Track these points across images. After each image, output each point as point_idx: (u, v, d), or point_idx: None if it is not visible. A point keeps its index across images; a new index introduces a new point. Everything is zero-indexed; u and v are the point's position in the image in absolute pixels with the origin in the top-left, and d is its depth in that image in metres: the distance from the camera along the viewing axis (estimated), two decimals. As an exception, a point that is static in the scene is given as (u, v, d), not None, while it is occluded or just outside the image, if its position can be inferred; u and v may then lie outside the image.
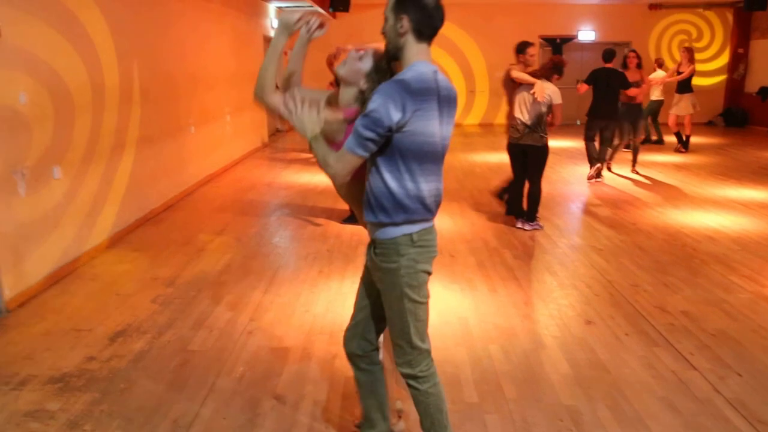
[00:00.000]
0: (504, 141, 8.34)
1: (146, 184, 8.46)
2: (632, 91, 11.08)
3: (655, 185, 10.95)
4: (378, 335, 3.34)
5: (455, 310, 5.55)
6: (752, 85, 19.03)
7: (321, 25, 3.19)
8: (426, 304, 3.06)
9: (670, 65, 16.28)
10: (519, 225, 8.11)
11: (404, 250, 2.92)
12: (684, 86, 13.87)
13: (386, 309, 3.07)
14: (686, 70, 13.76)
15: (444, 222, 8.39)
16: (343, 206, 8.69)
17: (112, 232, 7.49)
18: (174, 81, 9.62)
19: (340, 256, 6.98)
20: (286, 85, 3.42)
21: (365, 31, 19.04)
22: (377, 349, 3.39)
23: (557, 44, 20.17)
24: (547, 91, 7.55)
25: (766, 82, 18.51)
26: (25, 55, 5.81)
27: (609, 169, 11.89)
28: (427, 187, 2.88)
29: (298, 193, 10.41)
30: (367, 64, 3.05)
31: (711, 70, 20.50)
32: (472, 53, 20.61)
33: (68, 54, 6.52)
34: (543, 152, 7.81)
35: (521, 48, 8.10)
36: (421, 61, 2.82)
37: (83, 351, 4.79)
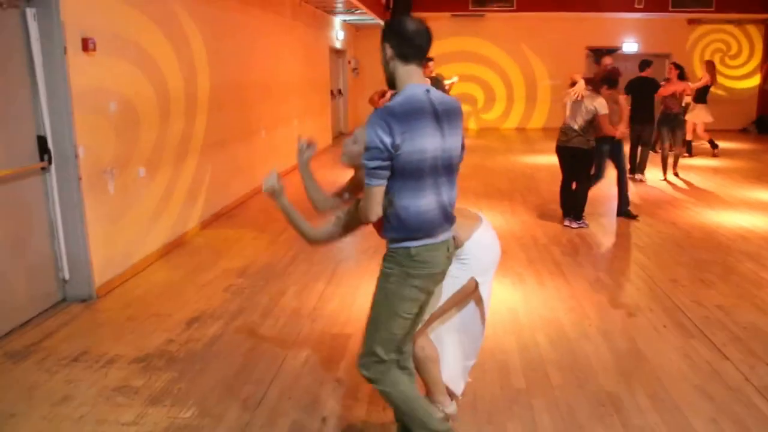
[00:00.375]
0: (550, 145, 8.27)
1: (221, 183, 8.55)
2: (663, 91, 10.93)
3: (691, 188, 10.72)
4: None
5: (506, 302, 5.49)
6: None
7: (309, 144, 3.28)
8: (408, 320, 2.95)
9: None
10: (566, 223, 8.01)
11: (403, 261, 2.88)
12: (699, 96, 13.43)
13: (371, 307, 3.02)
14: (701, 82, 13.36)
15: (496, 219, 8.32)
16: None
17: (189, 226, 7.60)
18: (247, 89, 9.70)
19: (397, 251, 6.95)
20: (324, 207, 3.55)
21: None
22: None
23: (603, 55, 19.89)
24: (594, 102, 7.41)
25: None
26: (116, 68, 5.93)
27: (675, 174, 11.56)
28: (425, 201, 2.81)
29: (358, 192, 10.39)
30: (360, 145, 2.95)
31: (744, 79, 20.11)
32: (527, 63, 20.53)
33: (153, 68, 6.61)
34: (588, 155, 7.69)
35: (596, 58, 8.06)
36: (412, 83, 2.82)
37: (163, 334, 4.86)
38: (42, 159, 5.23)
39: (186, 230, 7.47)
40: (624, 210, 8.43)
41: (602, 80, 7.75)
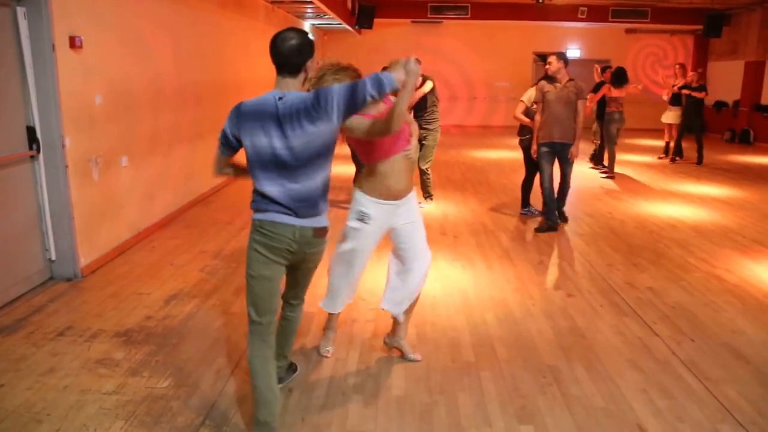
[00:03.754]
0: (503, 140, 8.26)
1: (198, 172, 8.44)
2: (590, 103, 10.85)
3: (628, 181, 10.85)
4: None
5: (456, 284, 5.51)
6: (709, 100, 18.88)
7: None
8: (255, 279, 3.04)
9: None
10: (524, 212, 8.10)
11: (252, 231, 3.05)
12: (673, 99, 12.99)
13: None
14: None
15: (449, 208, 8.35)
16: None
17: (168, 211, 7.49)
18: (222, 87, 9.58)
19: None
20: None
21: (387, 45, 19.00)
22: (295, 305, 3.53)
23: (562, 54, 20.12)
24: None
25: (720, 97, 18.58)
26: (101, 64, 5.80)
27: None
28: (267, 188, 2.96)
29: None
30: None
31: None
32: (482, 66, 20.64)
33: (135, 64, 6.49)
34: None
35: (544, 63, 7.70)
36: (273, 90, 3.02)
37: (143, 311, 4.79)
38: (31, 148, 5.12)
39: (166, 215, 7.36)
40: (559, 210, 7.78)
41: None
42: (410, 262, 3.89)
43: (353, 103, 2.84)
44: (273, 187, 2.95)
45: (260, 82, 12.05)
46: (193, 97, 8.26)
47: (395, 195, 3.72)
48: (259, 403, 3.07)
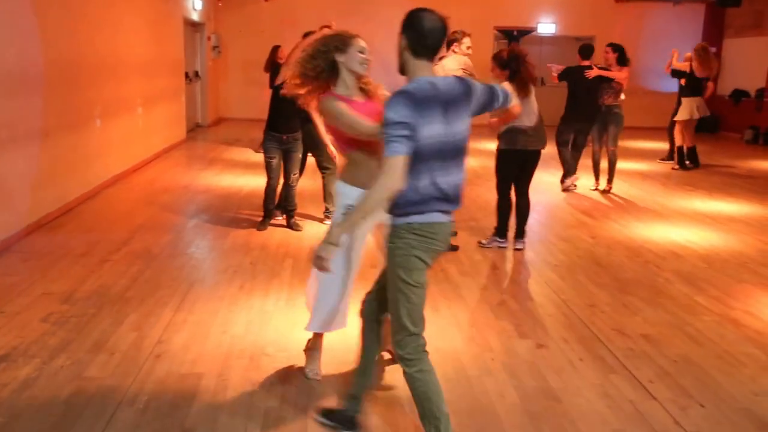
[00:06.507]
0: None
1: (41, 184, 8.27)
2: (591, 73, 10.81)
3: (616, 196, 11.10)
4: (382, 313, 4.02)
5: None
6: (724, 88, 19.32)
7: None
8: (419, 288, 3.63)
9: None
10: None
11: (403, 235, 3.60)
12: (683, 90, 13.38)
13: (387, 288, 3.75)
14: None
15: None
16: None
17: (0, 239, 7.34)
18: (78, 67, 9.45)
19: (265, 270, 6.94)
20: None
21: (297, 14, 19.03)
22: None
23: (514, 37, 20.39)
24: None
25: (740, 85, 18.89)
26: None
27: (608, 189, 11.35)
28: (420, 182, 3.53)
29: (219, 197, 10.33)
30: None
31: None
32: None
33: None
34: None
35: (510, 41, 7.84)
36: (422, 75, 3.56)
37: (-41, 377, 4.66)
38: None
39: (-5, 244, 7.21)
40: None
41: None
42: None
43: (486, 106, 3.94)
44: (422, 181, 3.54)
45: (131, 61, 11.95)
46: (36, 81, 8.15)
47: None
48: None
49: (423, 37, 3.51)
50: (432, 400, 3.65)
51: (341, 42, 4.46)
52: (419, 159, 3.45)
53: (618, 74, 10.82)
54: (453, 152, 3.60)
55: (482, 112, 3.94)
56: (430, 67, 3.60)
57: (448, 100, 3.53)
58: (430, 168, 3.51)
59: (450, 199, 3.63)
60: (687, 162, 13.66)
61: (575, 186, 11.34)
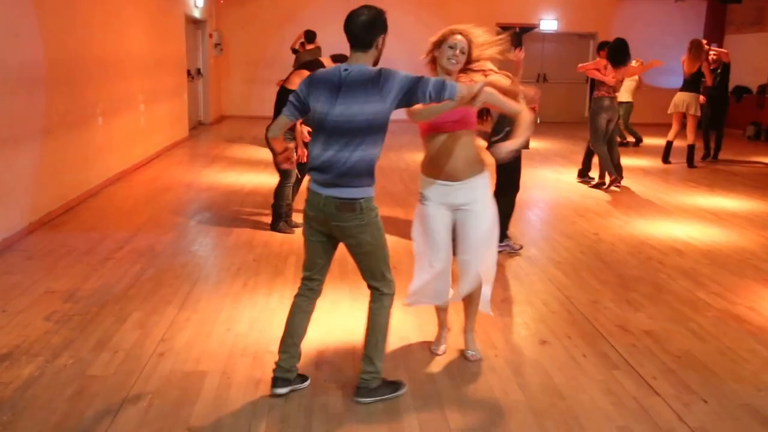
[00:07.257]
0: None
1: (42, 182, 8.29)
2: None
3: (619, 192, 11.10)
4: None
5: (396, 330, 5.46)
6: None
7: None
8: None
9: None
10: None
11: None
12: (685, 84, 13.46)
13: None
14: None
15: (387, 228, 8.33)
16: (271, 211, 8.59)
17: (1, 238, 7.33)
18: (80, 64, 9.45)
19: (268, 268, 6.93)
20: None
21: (298, 11, 18.99)
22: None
23: (516, 34, 20.31)
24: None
25: (742, 81, 18.86)
26: None
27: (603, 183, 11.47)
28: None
29: (222, 194, 10.33)
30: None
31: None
32: (422, 42, 20.73)
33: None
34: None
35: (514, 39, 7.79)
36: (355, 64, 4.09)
37: (-38, 377, 4.66)
38: None
39: (-2, 242, 7.22)
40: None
41: None
42: (460, 255, 4.81)
43: (412, 96, 3.97)
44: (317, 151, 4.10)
45: (133, 59, 11.95)
46: (39, 80, 8.14)
47: (447, 175, 4.65)
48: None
49: (346, 31, 4.04)
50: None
51: (441, 37, 4.63)
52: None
53: (598, 74, 11.05)
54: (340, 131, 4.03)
55: (410, 101, 4.03)
56: (361, 57, 4.07)
57: (341, 84, 3.98)
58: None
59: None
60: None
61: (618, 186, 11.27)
